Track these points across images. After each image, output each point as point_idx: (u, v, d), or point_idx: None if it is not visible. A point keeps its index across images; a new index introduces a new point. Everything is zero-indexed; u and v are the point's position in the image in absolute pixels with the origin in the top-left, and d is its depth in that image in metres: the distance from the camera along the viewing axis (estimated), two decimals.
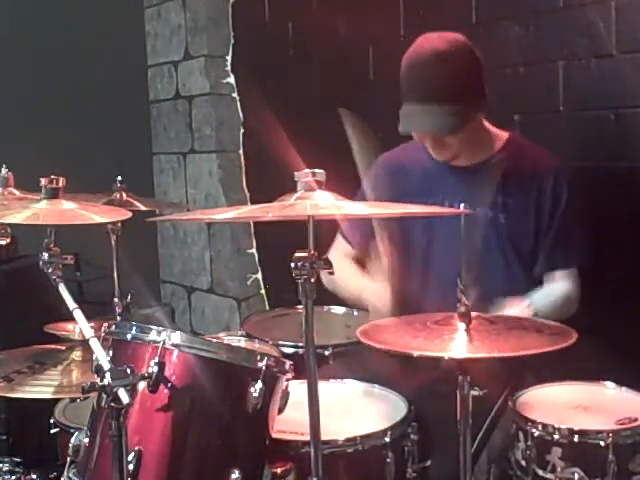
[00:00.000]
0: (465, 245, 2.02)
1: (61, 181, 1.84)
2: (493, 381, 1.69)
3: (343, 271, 2.20)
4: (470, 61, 2.09)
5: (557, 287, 2.18)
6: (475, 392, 1.59)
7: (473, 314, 1.63)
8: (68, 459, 1.71)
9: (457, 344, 1.56)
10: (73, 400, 2.06)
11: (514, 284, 2.17)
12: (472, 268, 1.90)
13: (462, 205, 1.71)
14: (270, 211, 1.52)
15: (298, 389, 1.66)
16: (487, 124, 2.24)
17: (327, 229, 2.21)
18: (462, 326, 1.61)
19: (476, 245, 2.08)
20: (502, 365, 1.86)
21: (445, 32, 2.11)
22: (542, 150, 2.24)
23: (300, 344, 2.08)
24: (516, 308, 2.05)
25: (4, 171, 2.21)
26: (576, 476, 1.64)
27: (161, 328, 1.57)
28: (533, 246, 2.19)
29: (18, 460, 2.19)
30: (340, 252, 2.38)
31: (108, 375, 1.34)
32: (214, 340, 1.80)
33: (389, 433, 1.72)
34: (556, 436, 1.67)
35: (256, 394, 1.55)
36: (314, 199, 1.49)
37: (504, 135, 2.25)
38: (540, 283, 2.20)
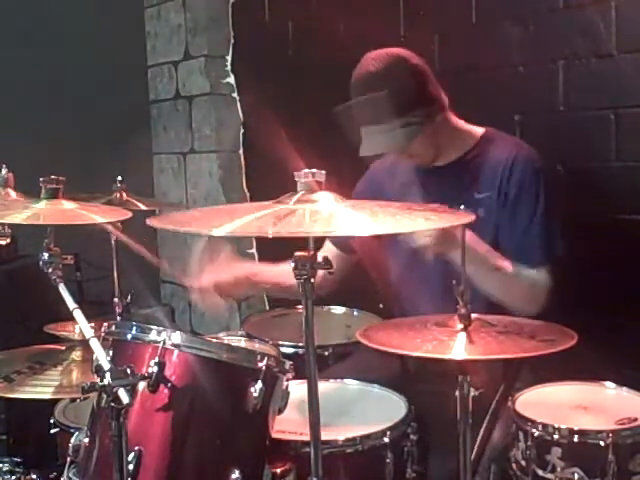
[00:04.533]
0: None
1: (61, 181, 1.84)
2: (489, 379, 1.69)
3: None
4: (406, 75, 2.10)
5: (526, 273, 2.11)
6: (471, 392, 1.59)
7: (473, 316, 1.63)
8: (68, 459, 1.71)
9: (457, 346, 1.56)
10: (73, 400, 2.06)
11: None
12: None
13: (462, 207, 1.71)
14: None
15: (298, 389, 1.66)
16: (459, 122, 2.24)
17: None
18: (461, 327, 1.61)
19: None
20: (497, 364, 1.87)
21: (383, 49, 2.14)
22: (517, 142, 2.23)
23: (300, 344, 2.08)
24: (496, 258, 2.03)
25: (4, 171, 2.21)
26: (576, 476, 1.64)
27: (161, 328, 1.57)
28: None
29: (18, 460, 2.19)
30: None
31: (108, 375, 1.34)
32: (214, 340, 1.80)
33: (388, 433, 1.72)
34: (556, 436, 1.67)
35: (256, 394, 1.55)
36: (314, 199, 1.48)
37: (479, 131, 2.25)
38: None
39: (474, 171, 2.18)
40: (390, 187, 2.31)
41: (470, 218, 1.57)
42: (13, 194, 2.17)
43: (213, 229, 1.37)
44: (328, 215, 1.42)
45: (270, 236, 1.34)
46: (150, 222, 1.47)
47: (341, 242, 2.35)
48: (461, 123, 2.25)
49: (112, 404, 1.34)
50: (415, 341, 1.60)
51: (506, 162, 2.14)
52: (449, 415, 1.63)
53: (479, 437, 1.86)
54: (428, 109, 2.11)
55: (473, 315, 1.64)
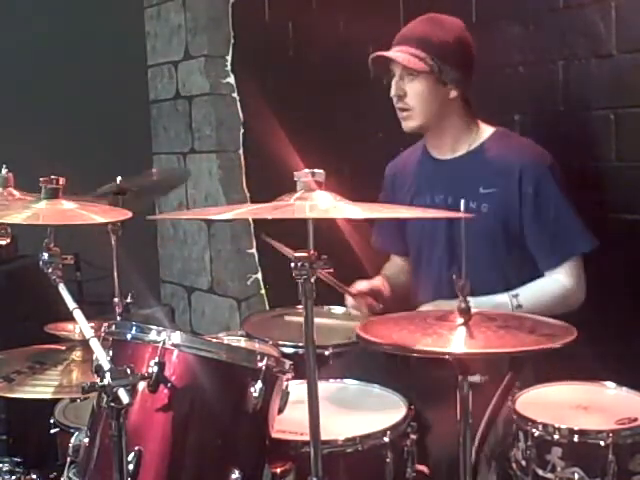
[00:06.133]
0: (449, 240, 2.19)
1: (61, 181, 1.84)
2: (492, 370, 1.69)
3: None
4: (455, 36, 2.18)
5: (550, 283, 2.16)
6: (476, 378, 1.58)
7: (473, 310, 1.63)
8: (68, 459, 1.72)
9: (457, 340, 1.55)
10: (73, 400, 2.06)
11: (503, 273, 2.18)
12: (457, 261, 1.98)
13: (462, 204, 1.71)
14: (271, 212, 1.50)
15: (298, 389, 1.66)
16: (477, 120, 2.27)
17: (327, 229, 2.22)
18: (461, 322, 1.60)
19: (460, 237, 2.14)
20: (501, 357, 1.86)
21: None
22: (528, 141, 2.25)
23: (300, 344, 2.08)
24: (497, 302, 2.08)
25: (4, 171, 2.21)
26: (576, 476, 1.64)
27: (161, 328, 1.58)
28: (520, 233, 2.17)
29: (18, 460, 2.19)
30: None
31: (108, 375, 1.34)
32: (214, 340, 1.80)
33: (388, 433, 1.72)
34: (556, 436, 1.67)
35: (256, 394, 1.55)
36: (314, 199, 1.48)
37: (490, 129, 2.28)
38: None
39: (481, 166, 2.20)
40: (400, 185, 2.40)
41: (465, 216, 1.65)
42: (16, 193, 2.16)
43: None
44: (325, 208, 1.47)
45: (270, 217, 1.43)
46: None
47: (394, 245, 2.48)
48: (477, 121, 2.27)
49: (112, 404, 1.34)
50: (415, 335, 1.59)
51: (518, 161, 2.15)
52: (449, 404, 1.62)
53: (482, 424, 1.85)
54: (448, 68, 2.16)
55: (473, 309, 1.63)
